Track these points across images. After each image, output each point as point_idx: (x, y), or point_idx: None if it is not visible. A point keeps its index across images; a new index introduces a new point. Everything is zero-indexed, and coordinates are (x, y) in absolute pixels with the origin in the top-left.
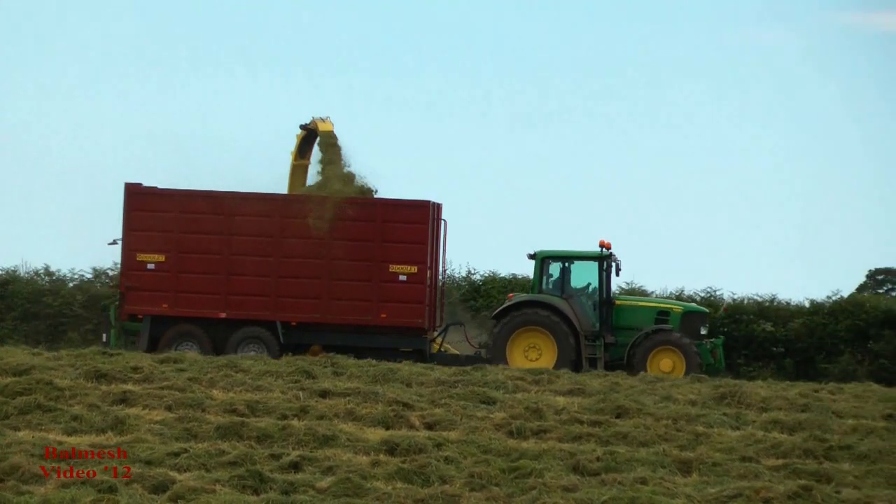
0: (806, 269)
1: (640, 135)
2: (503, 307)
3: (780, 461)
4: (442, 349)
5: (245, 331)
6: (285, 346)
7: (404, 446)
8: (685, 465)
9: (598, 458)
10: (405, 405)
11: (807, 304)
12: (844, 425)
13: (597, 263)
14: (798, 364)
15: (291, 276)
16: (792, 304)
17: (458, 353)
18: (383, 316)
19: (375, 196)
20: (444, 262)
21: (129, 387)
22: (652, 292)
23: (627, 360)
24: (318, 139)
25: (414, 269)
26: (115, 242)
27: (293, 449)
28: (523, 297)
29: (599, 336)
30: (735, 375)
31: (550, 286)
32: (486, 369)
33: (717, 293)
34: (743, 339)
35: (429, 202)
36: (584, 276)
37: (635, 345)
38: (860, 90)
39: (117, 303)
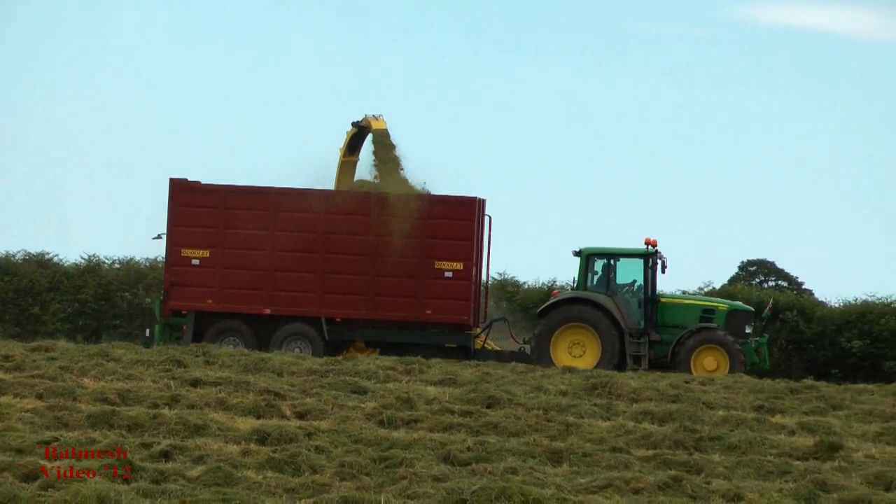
0: (679, 260)
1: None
2: (548, 304)
3: (651, 452)
4: (485, 346)
5: (289, 327)
6: (329, 343)
7: (275, 436)
8: (555, 456)
9: (468, 449)
10: (276, 395)
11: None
12: (714, 416)
13: (642, 261)
14: None
15: (336, 272)
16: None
17: (500, 349)
18: (428, 312)
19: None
20: (488, 259)
21: (0, 375)
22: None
23: (671, 357)
24: (371, 137)
25: (460, 265)
26: (159, 237)
27: (164, 438)
28: (568, 293)
29: (644, 334)
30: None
31: (595, 283)
32: (358, 359)
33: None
34: None
35: (475, 198)
36: (629, 273)
37: (679, 343)
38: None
39: (161, 298)
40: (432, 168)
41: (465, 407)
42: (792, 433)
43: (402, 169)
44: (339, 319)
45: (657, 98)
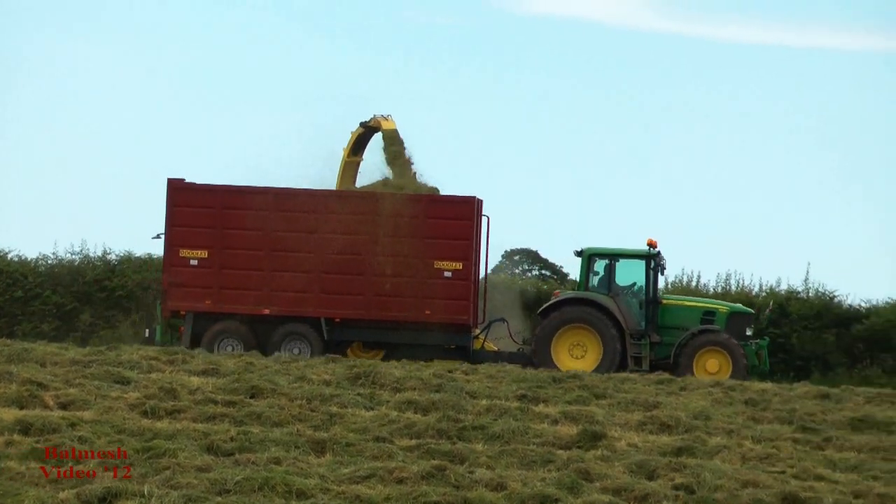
0: None
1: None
2: (548, 304)
3: (414, 441)
4: (483, 346)
5: (288, 327)
6: (328, 343)
7: (38, 426)
8: (319, 446)
9: (231, 439)
10: (39, 385)
11: None
12: (478, 406)
13: (644, 262)
14: None
15: (335, 272)
16: None
17: (497, 349)
18: (428, 312)
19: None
20: (486, 259)
21: None
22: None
23: (674, 359)
24: (379, 137)
25: (459, 265)
26: (159, 237)
27: None
28: (569, 294)
29: (645, 335)
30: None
31: (596, 284)
32: (121, 348)
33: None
34: None
35: (474, 198)
36: (629, 274)
37: (682, 344)
38: None
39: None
40: (429, 167)
41: (228, 397)
42: (555, 422)
43: (412, 168)
44: (338, 320)
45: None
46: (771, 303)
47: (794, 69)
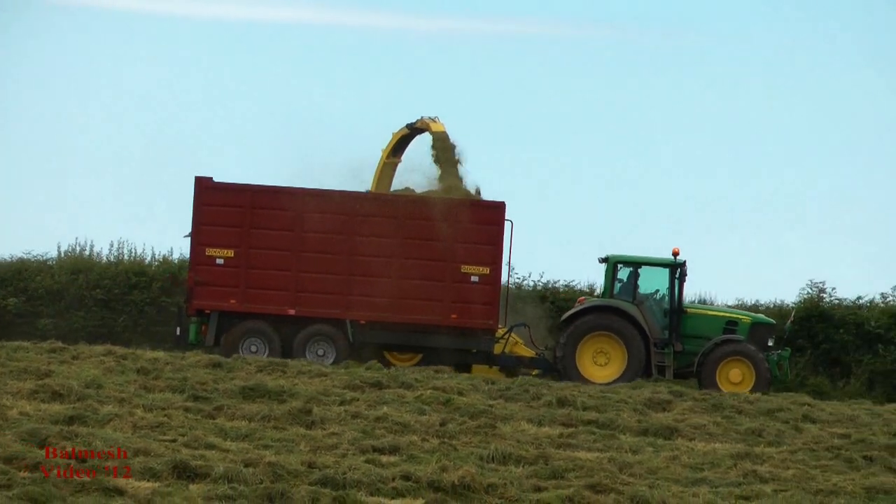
0: None
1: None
2: (573, 311)
3: None
4: (504, 350)
5: (313, 328)
6: (353, 345)
7: None
8: None
9: None
10: None
11: None
12: None
13: (668, 270)
14: None
15: (362, 274)
16: None
17: (536, 353)
18: (454, 317)
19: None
20: (509, 264)
21: None
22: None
23: (697, 368)
24: (431, 140)
25: (486, 270)
26: (188, 236)
27: None
28: (595, 301)
29: (669, 344)
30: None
31: (620, 291)
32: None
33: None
34: None
35: (503, 203)
36: (653, 282)
37: (705, 354)
38: None
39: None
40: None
41: None
42: None
43: (460, 171)
44: (363, 322)
45: None
46: (792, 314)
47: None
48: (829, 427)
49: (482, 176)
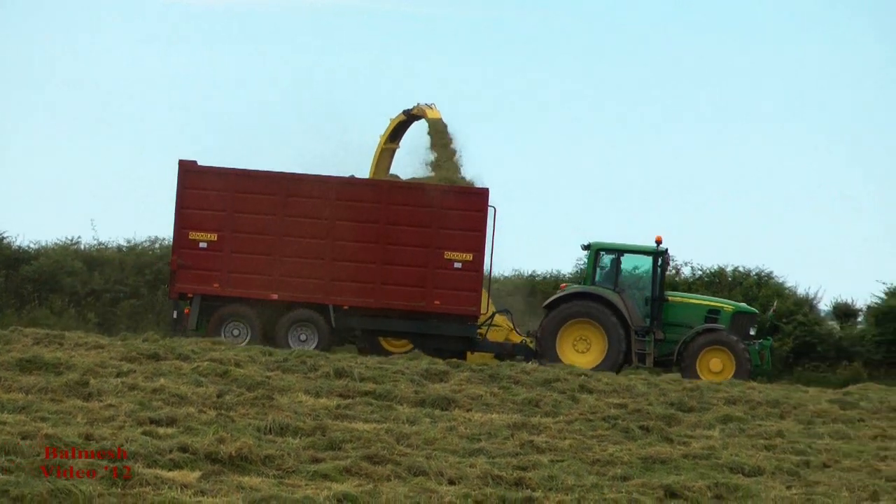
0: None
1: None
2: (554, 298)
3: None
4: (486, 337)
5: (296, 313)
6: (336, 330)
7: None
8: None
9: None
10: None
11: None
12: None
13: (651, 258)
14: None
15: (345, 259)
16: None
17: (522, 339)
18: (437, 303)
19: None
20: (492, 250)
21: None
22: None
23: (677, 357)
24: (426, 126)
25: (469, 256)
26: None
27: None
28: (576, 288)
29: (650, 331)
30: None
31: (602, 278)
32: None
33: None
34: None
35: (487, 190)
36: (636, 269)
37: (686, 342)
38: None
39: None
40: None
41: None
42: None
43: (457, 159)
44: (346, 307)
45: None
46: (775, 303)
47: None
48: (606, 397)
49: (470, 163)
